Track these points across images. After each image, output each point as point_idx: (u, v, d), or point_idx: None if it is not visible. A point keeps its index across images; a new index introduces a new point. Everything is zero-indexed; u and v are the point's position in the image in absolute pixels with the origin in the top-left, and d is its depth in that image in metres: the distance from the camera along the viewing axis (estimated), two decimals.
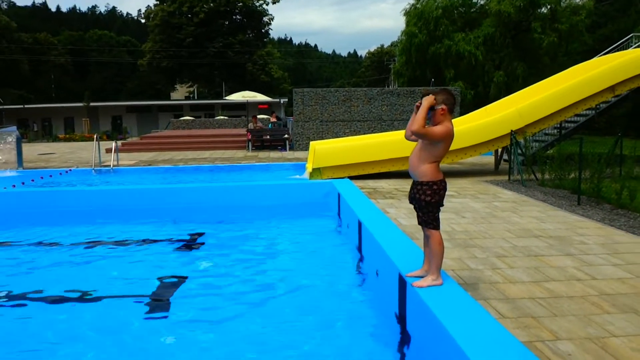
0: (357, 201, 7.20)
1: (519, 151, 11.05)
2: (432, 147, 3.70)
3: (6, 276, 5.90)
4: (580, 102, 11.85)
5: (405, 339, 3.84)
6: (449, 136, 3.70)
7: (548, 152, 12.48)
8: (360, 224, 5.97)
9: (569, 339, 3.50)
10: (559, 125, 13.49)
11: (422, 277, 3.82)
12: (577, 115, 13.32)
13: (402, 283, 3.95)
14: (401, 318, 4.00)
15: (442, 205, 3.79)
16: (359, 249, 6.03)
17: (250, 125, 23.16)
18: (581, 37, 31.42)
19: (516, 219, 7.32)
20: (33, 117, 52.75)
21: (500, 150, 12.89)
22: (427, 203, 3.69)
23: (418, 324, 3.65)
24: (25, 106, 52.41)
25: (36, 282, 5.71)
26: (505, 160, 13.09)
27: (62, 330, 4.42)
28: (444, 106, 3.68)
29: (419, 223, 3.83)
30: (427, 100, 3.62)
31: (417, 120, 3.57)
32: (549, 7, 31.70)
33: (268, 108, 46.37)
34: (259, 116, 27.60)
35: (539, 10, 32.22)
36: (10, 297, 5.24)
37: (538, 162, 10.96)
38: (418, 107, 3.67)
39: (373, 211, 6.52)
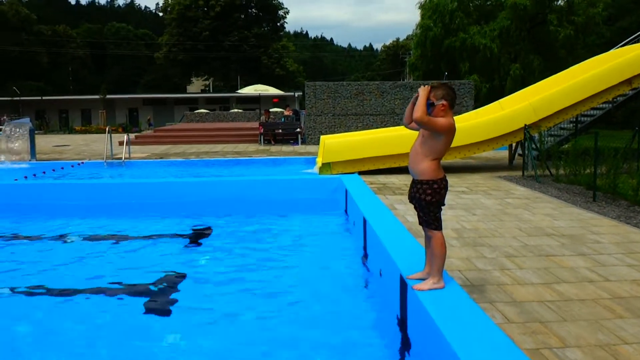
0: (363, 197, 7.03)
1: (533, 146, 10.79)
2: (433, 142, 3.53)
3: (9, 269, 5.87)
4: (596, 95, 11.51)
5: (405, 344, 3.68)
6: (451, 130, 3.52)
7: (564, 146, 12.18)
8: (365, 221, 5.81)
9: (578, 346, 3.31)
10: (574, 119, 13.17)
11: (423, 279, 3.65)
12: (593, 108, 12.98)
13: (403, 285, 3.79)
14: (402, 322, 3.84)
15: (444, 204, 3.62)
16: (364, 247, 5.88)
17: (262, 119, 23.05)
18: (598, 29, 30.85)
19: (528, 216, 7.11)
20: (51, 109, 53.28)
21: (514, 144, 12.63)
22: (428, 203, 3.52)
23: (418, 329, 3.49)
24: (43, 98, 52.98)
25: (41, 275, 5.66)
26: (520, 155, 12.82)
27: (68, 323, 4.41)
28: (444, 101, 3.51)
29: (420, 223, 3.66)
30: (424, 90, 3.47)
31: (418, 107, 3.41)
32: None
33: (282, 101, 46.27)
34: (272, 110, 27.51)
35: (555, 3, 31.68)
36: (15, 290, 5.19)
37: (552, 157, 10.69)
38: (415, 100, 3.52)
39: (379, 207, 6.35)
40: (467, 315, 3.12)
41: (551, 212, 7.31)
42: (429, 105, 3.51)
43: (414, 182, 3.64)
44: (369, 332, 4.04)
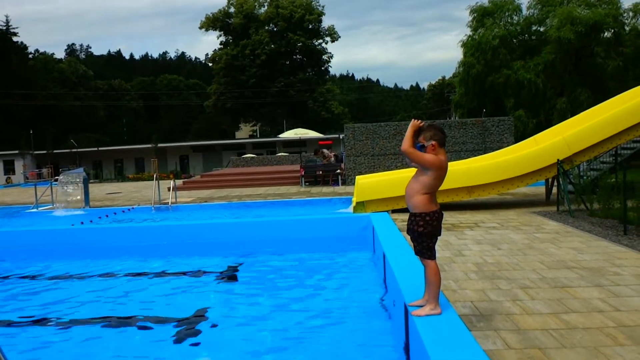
0: (386, 233, 7.27)
1: (568, 180, 10.75)
2: (423, 177, 3.82)
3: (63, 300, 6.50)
4: (633, 127, 11.40)
5: None
6: (440, 166, 3.79)
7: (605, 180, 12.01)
8: (384, 256, 6.04)
9: None
10: (614, 153, 13.00)
11: (422, 306, 3.87)
12: (634, 141, 12.80)
13: (407, 312, 4.00)
14: (406, 349, 4.04)
15: (439, 235, 3.86)
16: (384, 281, 6.09)
17: (320, 160, 23.54)
18: None
19: (553, 250, 7.14)
20: (106, 158, 55.91)
21: (550, 179, 12.57)
22: (420, 234, 3.78)
23: (417, 354, 3.68)
24: (100, 149, 55.75)
25: (88, 307, 6.22)
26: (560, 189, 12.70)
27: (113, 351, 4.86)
28: (433, 142, 3.80)
29: (416, 253, 3.91)
30: (412, 124, 3.78)
31: (405, 139, 3.75)
32: (612, 31, 30.80)
33: (332, 143, 46.87)
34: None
35: (601, 35, 31.34)
36: (65, 321, 5.74)
37: (586, 192, 10.62)
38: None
39: (398, 242, 6.56)
40: (456, 339, 3.30)
41: (578, 246, 7.32)
42: (420, 147, 3.81)
43: (410, 215, 3.91)
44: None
